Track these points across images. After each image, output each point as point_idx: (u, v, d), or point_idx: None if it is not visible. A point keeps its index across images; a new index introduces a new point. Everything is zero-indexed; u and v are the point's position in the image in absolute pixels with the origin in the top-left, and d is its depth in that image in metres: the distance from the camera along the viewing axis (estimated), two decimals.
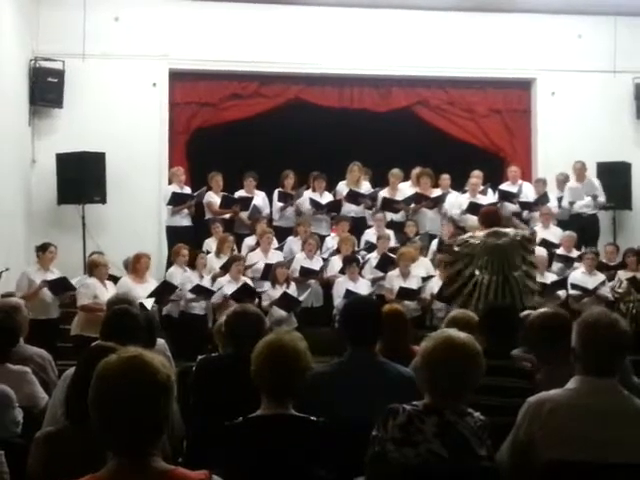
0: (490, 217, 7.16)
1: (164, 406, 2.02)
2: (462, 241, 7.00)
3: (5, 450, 2.96)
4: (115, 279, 8.51)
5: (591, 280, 9.20)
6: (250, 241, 9.80)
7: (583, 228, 10.16)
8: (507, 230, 7.13)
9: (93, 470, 2.04)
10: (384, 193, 10.33)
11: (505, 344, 3.86)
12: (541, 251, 9.40)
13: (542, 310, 4.23)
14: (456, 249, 6.97)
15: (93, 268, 8.10)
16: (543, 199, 10.45)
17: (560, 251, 9.69)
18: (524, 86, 11.94)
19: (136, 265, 8.42)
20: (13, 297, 6.31)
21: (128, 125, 10.57)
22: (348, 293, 8.39)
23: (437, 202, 10.29)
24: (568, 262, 9.58)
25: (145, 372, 2.01)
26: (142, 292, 8.00)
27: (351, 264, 9.01)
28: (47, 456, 2.77)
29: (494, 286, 6.69)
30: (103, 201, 10.30)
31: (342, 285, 8.85)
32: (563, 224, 10.38)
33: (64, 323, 8.13)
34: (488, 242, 6.81)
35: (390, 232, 9.82)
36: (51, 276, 8.27)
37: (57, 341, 7.75)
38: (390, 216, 10.22)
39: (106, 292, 7.84)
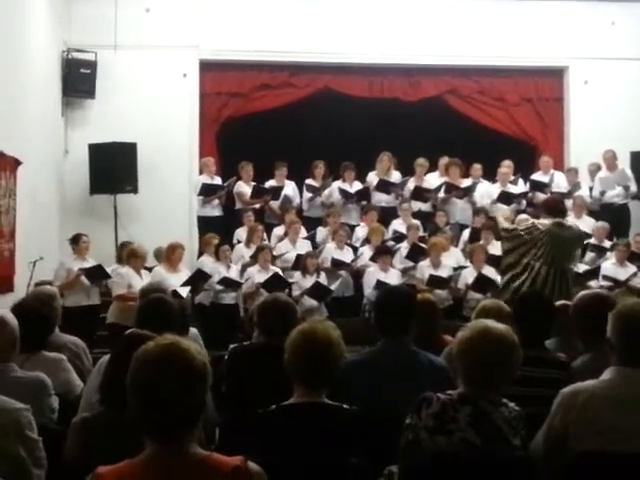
0: (557, 206, 6.98)
1: (200, 392, 2.05)
2: (527, 226, 6.73)
3: (42, 436, 2.99)
4: (147, 269, 8.58)
5: (622, 271, 9.08)
6: (279, 231, 9.83)
7: (613, 218, 10.02)
8: (571, 224, 7.02)
9: (129, 455, 2.07)
10: (412, 183, 10.29)
11: (538, 334, 3.76)
12: None
13: (585, 292, 4.19)
14: (522, 233, 6.70)
15: (131, 258, 8.13)
16: (575, 189, 10.34)
17: (592, 241, 9.59)
18: (556, 74, 11.80)
19: (170, 255, 8.47)
20: (47, 286, 6.37)
21: (159, 115, 10.64)
22: (379, 283, 8.38)
23: (467, 192, 10.22)
24: (600, 252, 9.50)
25: (182, 359, 2.03)
26: (176, 282, 8.04)
27: (383, 254, 8.99)
28: (83, 442, 2.80)
29: (551, 278, 6.52)
30: (135, 191, 10.40)
31: (373, 275, 8.84)
32: (594, 214, 10.23)
33: (104, 311, 8.13)
34: (553, 232, 6.62)
35: (417, 222, 9.79)
36: (87, 265, 8.33)
37: (95, 329, 7.82)
38: (418, 206, 10.18)
39: (141, 282, 7.87)
